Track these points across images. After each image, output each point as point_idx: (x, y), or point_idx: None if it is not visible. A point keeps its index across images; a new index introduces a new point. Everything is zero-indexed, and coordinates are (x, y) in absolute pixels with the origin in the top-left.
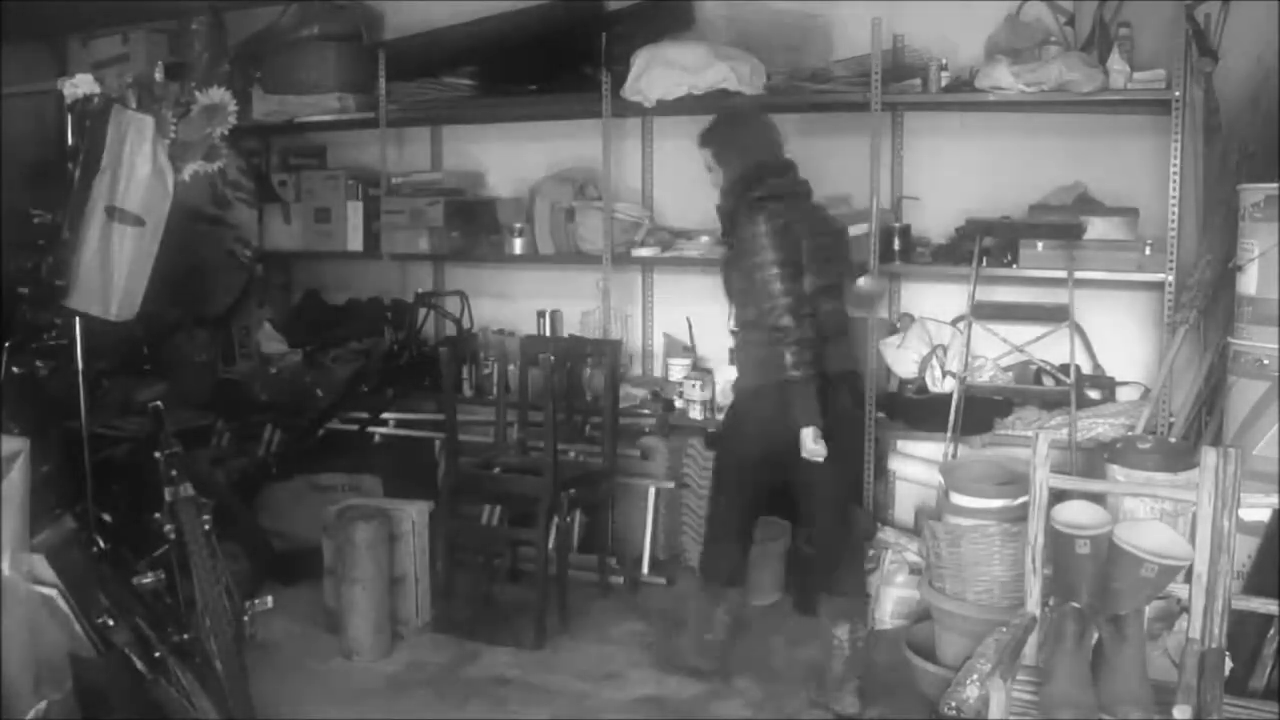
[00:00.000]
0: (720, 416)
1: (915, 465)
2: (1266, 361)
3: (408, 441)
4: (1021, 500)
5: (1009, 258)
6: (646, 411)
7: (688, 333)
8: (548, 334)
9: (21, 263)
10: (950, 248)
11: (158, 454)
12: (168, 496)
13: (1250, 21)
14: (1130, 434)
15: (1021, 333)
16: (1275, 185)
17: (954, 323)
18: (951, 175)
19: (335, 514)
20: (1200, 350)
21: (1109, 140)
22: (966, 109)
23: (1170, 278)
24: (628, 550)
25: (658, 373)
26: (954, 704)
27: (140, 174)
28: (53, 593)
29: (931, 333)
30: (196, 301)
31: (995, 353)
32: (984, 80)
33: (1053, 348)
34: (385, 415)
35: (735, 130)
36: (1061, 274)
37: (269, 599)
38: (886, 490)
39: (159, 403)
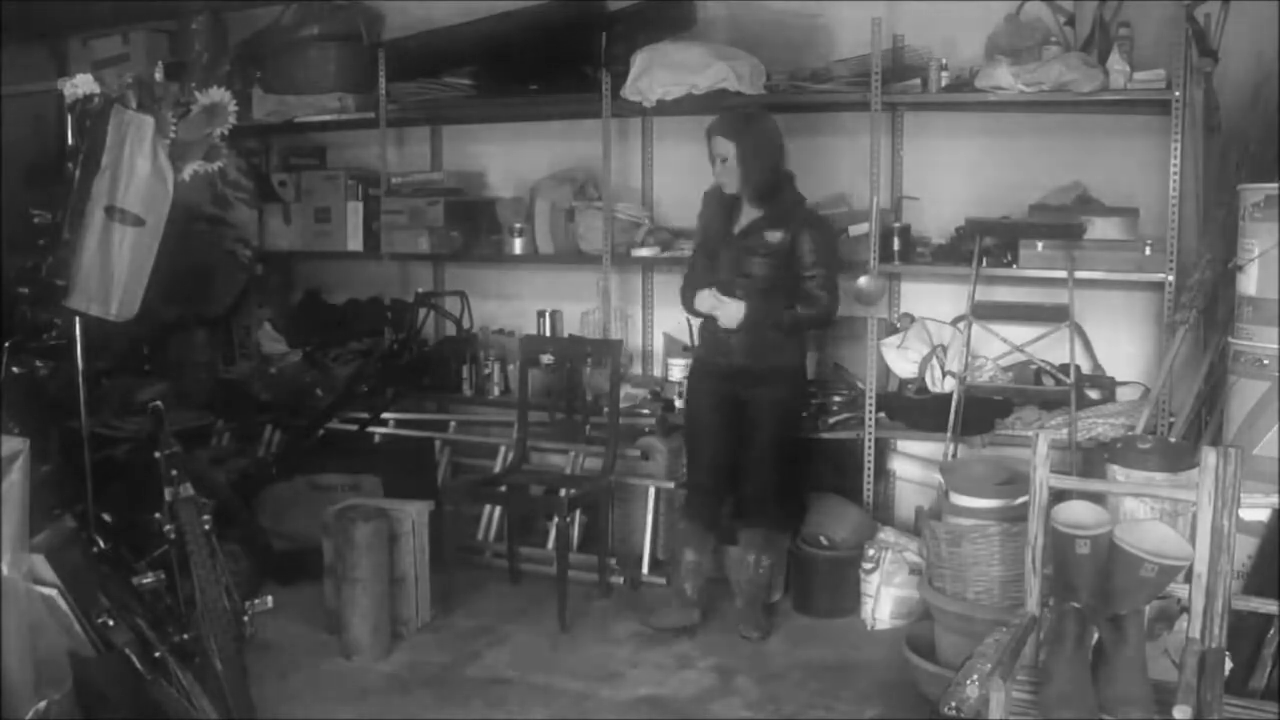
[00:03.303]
0: None
1: (915, 465)
2: (1266, 361)
3: (408, 441)
4: (1021, 500)
5: (1009, 258)
6: (646, 411)
7: (688, 333)
8: (548, 334)
9: (21, 263)
10: (950, 248)
11: (158, 454)
12: (168, 496)
13: (1250, 21)
14: (1130, 434)
15: (1021, 333)
16: (1275, 185)
17: (954, 323)
18: (951, 175)
19: (335, 514)
20: (1200, 350)
21: (1109, 140)
22: (966, 109)
23: (1170, 278)
24: (628, 550)
25: (658, 373)
26: (954, 704)
27: (140, 174)
28: (53, 593)
29: (931, 333)
30: (196, 301)
31: (995, 353)
32: (984, 80)
33: (1053, 348)
34: (385, 415)
35: (765, 132)
36: (1061, 274)
37: (269, 599)
38: (886, 490)
39: (159, 403)
